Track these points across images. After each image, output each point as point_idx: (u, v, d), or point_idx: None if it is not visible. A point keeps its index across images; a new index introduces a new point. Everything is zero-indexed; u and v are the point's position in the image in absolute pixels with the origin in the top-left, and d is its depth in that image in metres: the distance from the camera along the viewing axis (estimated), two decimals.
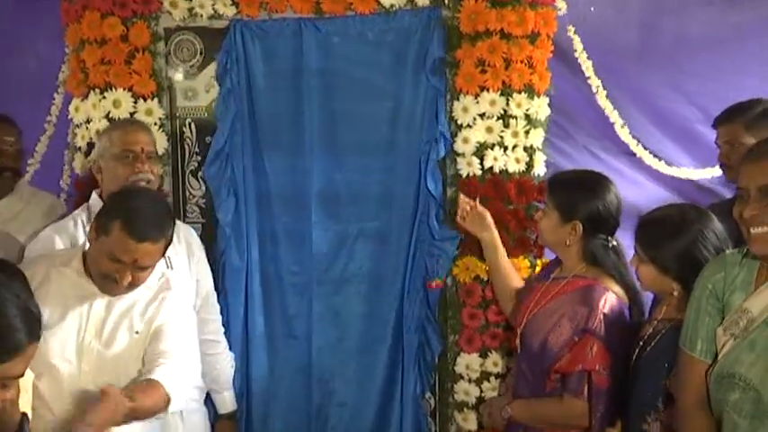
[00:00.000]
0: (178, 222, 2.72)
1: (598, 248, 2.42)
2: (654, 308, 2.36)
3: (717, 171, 2.90)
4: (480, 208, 2.73)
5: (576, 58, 2.91)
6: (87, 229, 2.46)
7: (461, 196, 2.77)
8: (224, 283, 2.87)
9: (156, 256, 2.15)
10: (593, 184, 2.45)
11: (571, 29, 2.88)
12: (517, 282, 2.74)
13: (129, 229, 2.06)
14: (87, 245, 2.22)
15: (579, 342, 2.30)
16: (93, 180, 2.76)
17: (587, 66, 2.91)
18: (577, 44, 2.89)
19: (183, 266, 2.64)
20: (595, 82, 2.93)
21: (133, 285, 2.14)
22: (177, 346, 2.17)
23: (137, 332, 2.16)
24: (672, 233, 2.16)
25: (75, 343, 2.11)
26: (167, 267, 2.53)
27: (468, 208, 2.73)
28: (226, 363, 2.80)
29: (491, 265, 2.75)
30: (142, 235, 2.07)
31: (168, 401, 2.04)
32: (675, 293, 2.18)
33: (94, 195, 2.60)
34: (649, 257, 2.20)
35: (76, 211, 2.60)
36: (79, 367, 2.10)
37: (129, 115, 2.85)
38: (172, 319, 2.20)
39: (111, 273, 2.10)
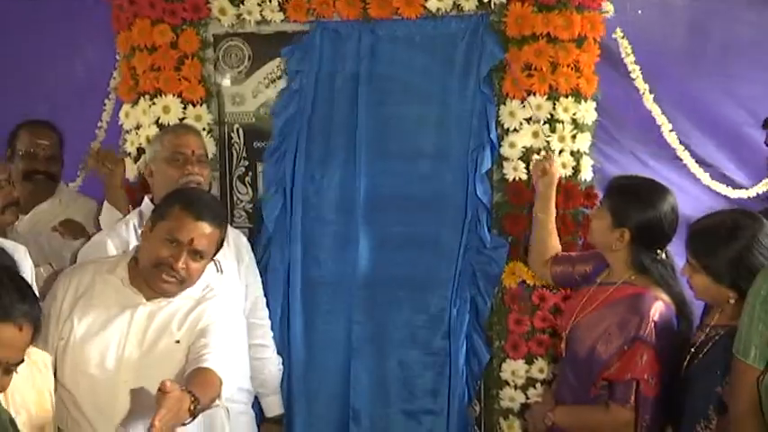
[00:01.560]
0: (228, 227, 2.81)
1: (646, 259, 2.42)
2: (705, 315, 2.35)
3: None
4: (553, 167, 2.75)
5: (623, 61, 2.92)
6: (140, 233, 2.53)
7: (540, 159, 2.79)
8: (265, 282, 2.92)
9: (211, 245, 2.19)
10: (651, 194, 2.44)
11: (619, 32, 2.89)
12: (555, 246, 2.76)
13: (188, 208, 2.15)
14: (134, 251, 2.27)
15: (629, 350, 2.31)
16: (143, 185, 2.86)
17: (634, 68, 2.92)
18: (625, 47, 2.90)
19: (232, 271, 2.70)
20: (642, 85, 2.93)
21: (186, 279, 2.17)
22: (222, 341, 2.17)
23: (177, 341, 2.16)
24: (724, 240, 2.14)
25: (116, 352, 2.12)
26: (217, 271, 2.59)
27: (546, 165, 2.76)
28: (274, 367, 2.86)
29: (536, 216, 2.77)
30: (200, 213, 2.15)
31: (221, 387, 2.05)
32: (732, 301, 2.16)
33: (146, 200, 2.67)
34: (702, 266, 2.18)
35: (128, 216, 2.68)
36: (117, 377, 2.10)
37: (178, 121, 2.94)
38: (217, 321, 2.21)
39: (166, 258, 2.13)
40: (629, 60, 2.91)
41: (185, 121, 2.95)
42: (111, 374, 2.10)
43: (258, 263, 2.88)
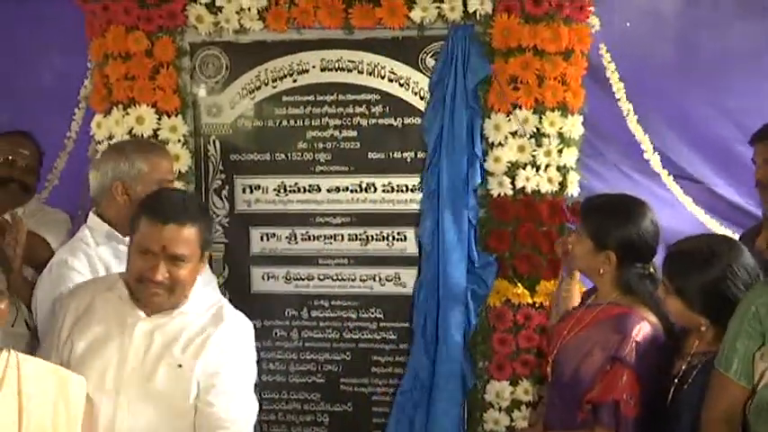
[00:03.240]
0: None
1: (633, 278, 2.40)
2: (683, 342, 2.33)
3: None
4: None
5: (608, 77, 2.94)
6: (98, 248, 2.48)
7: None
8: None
9: (189, 245, 2.06)
10: (629, 210, 2.43)
11: (603, 48, 2.91)
12: None
13: (152, 214, 2.05)
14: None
15: (611, 371, 2.29)
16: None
17: (618, 87, 2.94)
18: (609, 64, 2.92)
19: None
20: (626, 105, 2.94)
21: (175, 287, 2.07)
22: (236, 405, 2.09)
23: (180, 365, 2.07)
24: (699, 267, 2.14)
25: (115, 372, 2.06)
26: None
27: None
28: None
29: (563, 294, 2.74)
30: (166, 216, 2.04)
31: None
32: (703, 329, 2.16)
33: (92, 216, 2.56)
34: (676, 290, 2.18)
35: (80, 235, 2.55)
36: (117, 398, 2.04)
37: (152, 132, 2.94)
38: (227, 363, 2.09)
39: (144, 272, 2.04)
40: (614, 78, 2.93)
41: (160, 133, 2.96)
42: (110, 395, 2.05)
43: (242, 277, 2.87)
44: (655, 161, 2.98)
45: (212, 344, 2.10)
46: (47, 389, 1.88)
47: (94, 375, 2.05)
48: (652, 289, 2.40)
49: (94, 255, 2.48)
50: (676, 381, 2.21)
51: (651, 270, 2.43)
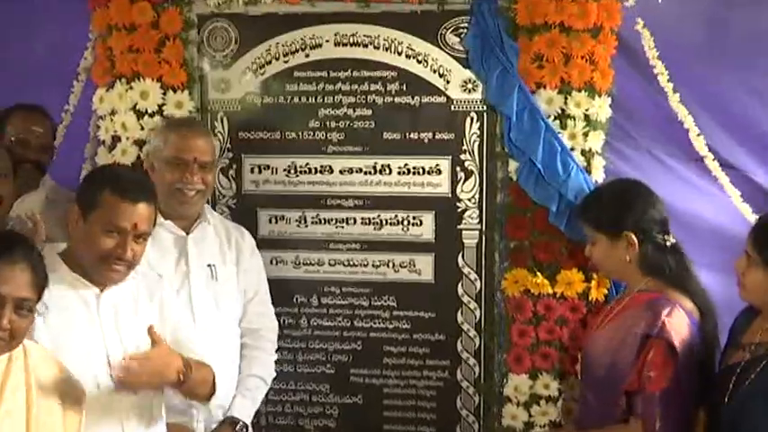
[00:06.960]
0: (229, 224, 2.85)
1: (654, 253, 2.48)
2: (738, 335, 2.36)
3: None
4: None
5: (643, 55, 2.91)
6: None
7: None
8: None
9: (151, 223, 2.23)
10: (626, 193, 2.59)
11: (640, 23, 2.88)
12: None
13: (120, 192, 2.16)
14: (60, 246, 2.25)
15: (642, 352, 2.34)
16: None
17: (657, 64, 2.91)
18: (647, 41, 2.90)
19: (229, 276, 2.74)
20: (668, 85, 2.92)
21: (134, 263, 2.21)
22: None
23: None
24: None
25: (103, 356, 2.15)
26: (212, 278, 2.67)
27: None
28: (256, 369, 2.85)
29: None
30: (136, 195, 2.17)
31: (214, 386, 2.34)
32: None
33: None
34: (765, 260, 2.21)
35: None
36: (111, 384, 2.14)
37: (157, 107, 2.97)
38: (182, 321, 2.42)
39: (113, 250, 2.14)
40: (653, 55, 2.90)
41: (165, 108, 2.98)
42: (106, 386, 2.13)
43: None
44: (699, 143, 2.96)
45: (168, 315, 2.36)
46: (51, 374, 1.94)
47: (80, 362, 2.10)
48: (674, 264, 2.48)
49: None
50: (738, 371, 2.23)
51: (672, 241, 2.51)
